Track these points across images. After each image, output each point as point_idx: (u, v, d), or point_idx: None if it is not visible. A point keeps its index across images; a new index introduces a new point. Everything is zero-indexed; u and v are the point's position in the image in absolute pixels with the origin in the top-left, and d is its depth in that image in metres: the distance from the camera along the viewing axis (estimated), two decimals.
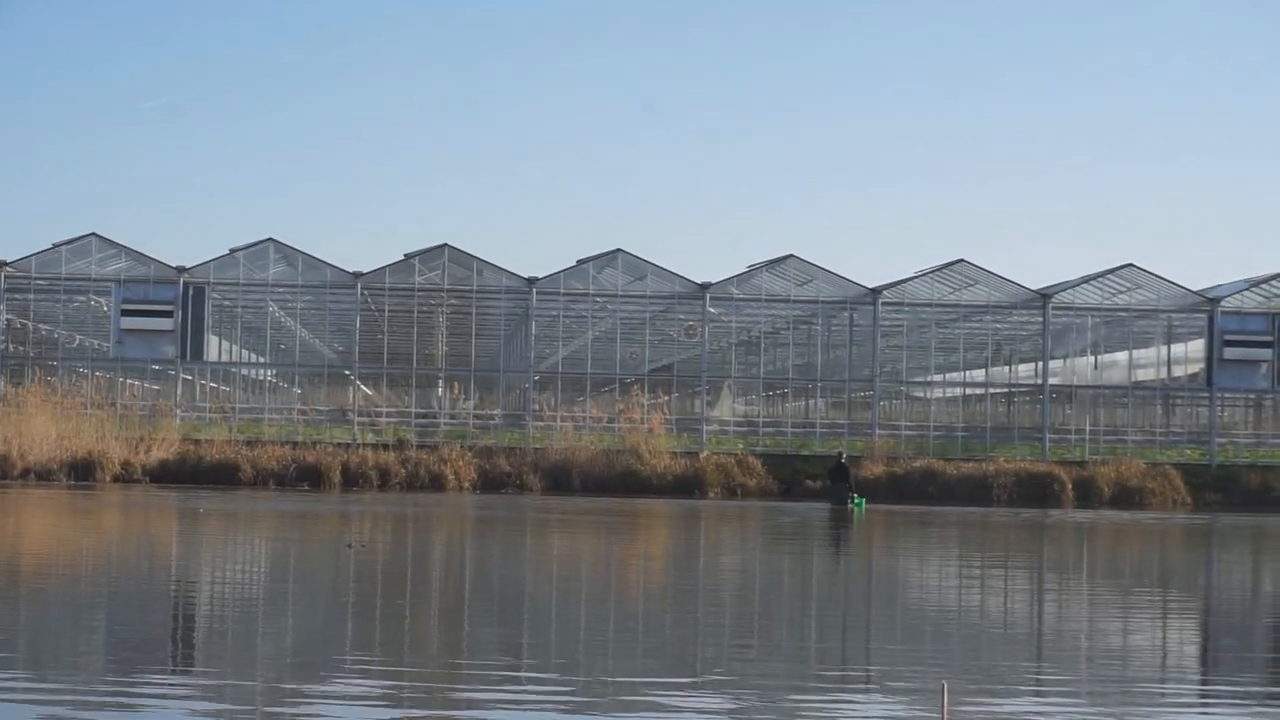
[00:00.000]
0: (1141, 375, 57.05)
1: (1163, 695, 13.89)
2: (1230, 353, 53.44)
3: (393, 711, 12.08)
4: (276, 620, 17.32)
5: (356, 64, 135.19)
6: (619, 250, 53.38)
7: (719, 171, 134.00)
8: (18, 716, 11.38)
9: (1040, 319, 54.96)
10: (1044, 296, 54.43)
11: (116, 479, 44.34)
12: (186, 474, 45.06)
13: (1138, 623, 19.51)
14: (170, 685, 12.95)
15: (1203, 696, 14.10)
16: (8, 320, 54.72)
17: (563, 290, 53.91)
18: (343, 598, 19.47)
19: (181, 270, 51.96)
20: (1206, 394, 54.54)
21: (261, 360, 61.07)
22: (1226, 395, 56.14)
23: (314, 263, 53.20)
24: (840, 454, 45.33)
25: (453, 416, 54.10)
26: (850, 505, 41.47)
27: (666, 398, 57.91)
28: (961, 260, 53.85)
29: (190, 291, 51.78)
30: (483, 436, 51.87)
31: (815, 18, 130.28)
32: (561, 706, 12.41)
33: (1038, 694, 13.70)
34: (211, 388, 57.09)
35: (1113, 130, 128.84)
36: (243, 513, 34.86)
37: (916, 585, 23.57)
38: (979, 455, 51.72)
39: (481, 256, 53.29)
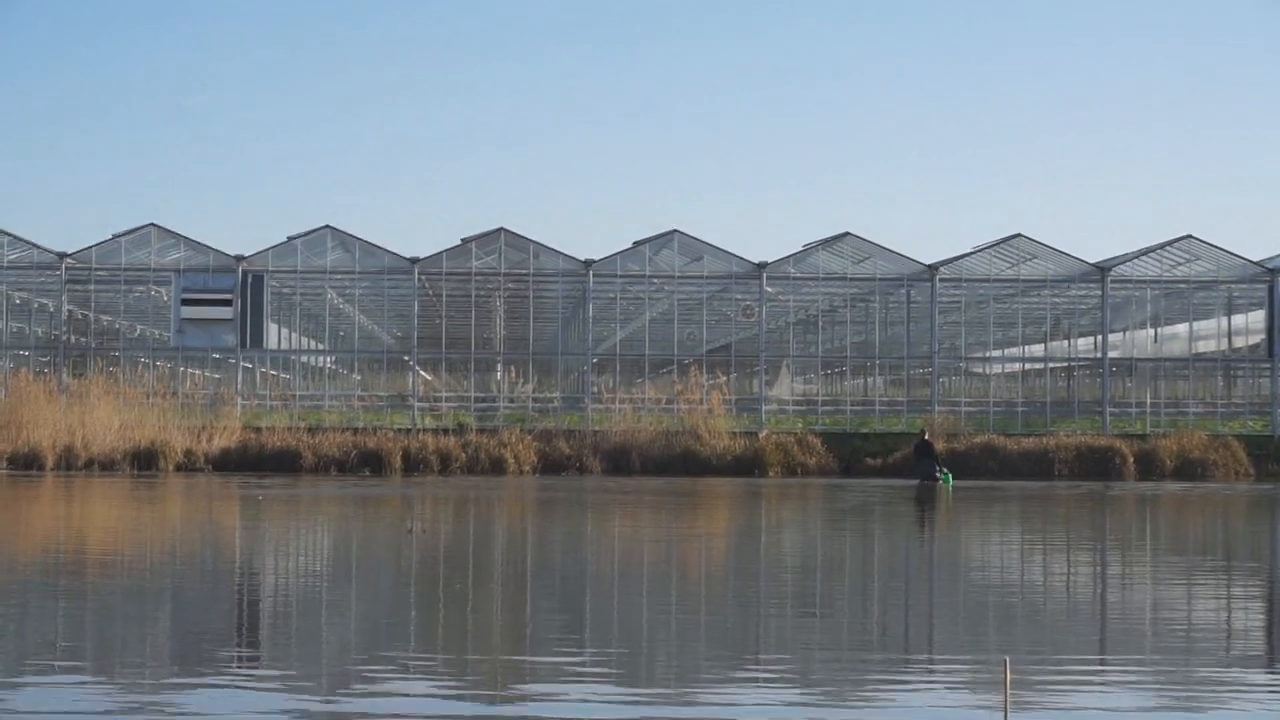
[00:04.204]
0: (1202, 347, 56.63)
1: (1228, 668, 13.77)
2: None
3: (458, 700, 12.14)
4: (340, 606, 17.41)
5: (408, 50, 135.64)
6: (675, 231, 53.37)
7: (774, 151, 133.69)
8: (88, 705, 11.48)
9: (1099, 292, 54.61)
10: (1102, 270, 54.11)
11: (179, 468, 44.66)
12: (248, 462, 45.35)
13: (1203, 597, 19.38)
14: (236, 674, 13.04)
15: (1272, 676, 13.96)
16: (69, 311, 55.25)
17: (619, 272, 53.97)
18: (404, 583, 19.56)
19: (240, 259, 52.26)
20: (1268, 365, 54.10)
21: (321, 347, 61.47)
22: None
23: (371, 249, 53.41)
24: (923, 430, 45.14)
25: (511, 400, 54.20)
26: (938, 480, 41.42)
27: (725, 378, 57.82)
28: (1019, 235, 53.58)
29: (249, 280, 52.05)
30: (542, 419, 52.00)
31: None
32: (624, 699, 12.43)
33: (1102, 667, 13.64)
34: (272, 375, 57.43)
35: (1170, 100, 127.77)
36: (305, 499, 35.06)
37: (988, 559, 23.48)
38: (1039, 430, 51.49)
39: (538, 240, 53.46)
